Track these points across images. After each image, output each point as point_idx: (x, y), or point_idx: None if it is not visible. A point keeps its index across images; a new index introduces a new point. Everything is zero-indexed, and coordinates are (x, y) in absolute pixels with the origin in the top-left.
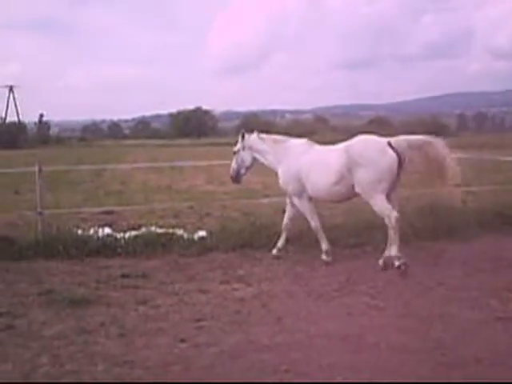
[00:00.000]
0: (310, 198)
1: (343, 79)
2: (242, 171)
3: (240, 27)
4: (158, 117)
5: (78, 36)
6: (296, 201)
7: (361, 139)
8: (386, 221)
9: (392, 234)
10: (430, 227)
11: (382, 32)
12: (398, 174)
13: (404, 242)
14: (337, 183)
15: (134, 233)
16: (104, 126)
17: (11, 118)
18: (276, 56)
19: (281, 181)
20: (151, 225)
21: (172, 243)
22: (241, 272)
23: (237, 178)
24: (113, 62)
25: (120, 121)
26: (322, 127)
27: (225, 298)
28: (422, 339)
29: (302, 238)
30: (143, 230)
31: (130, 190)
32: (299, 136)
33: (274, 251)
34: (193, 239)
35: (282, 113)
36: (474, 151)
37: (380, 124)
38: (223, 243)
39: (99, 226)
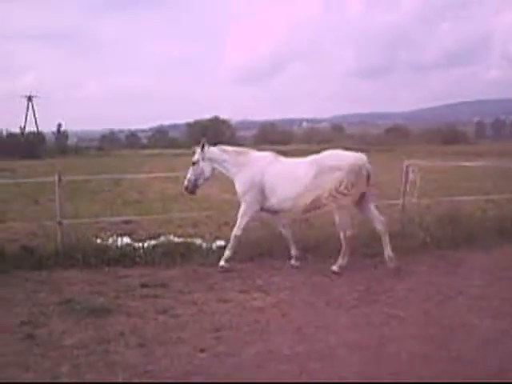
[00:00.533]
0: (276, 212)
1: (360, 87)
2: (200, 182)
3: (256, 36)
4: (175, 126)
5: (96, 46)
6: (243, 207)
7: (328, 153)
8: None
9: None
10: (450, 236)
11: (399, 40)
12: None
13: (424, 250)
14: (304, 195)
15: (152, 242)
16: (122, 136)
17: (30, 128)
18: (292, 64)
19: (240, 189)
20: (170, 234)
21: (191, 252)
22: (259, 281)
23: (193, 188)
24: (130, 72)
25: (137, 130)
26: (338, 136)
27: (244, 308)
28: (444, 349)
29: (320, 248)
30: (162, 239)
31: (148, 200)
32: (318, 143)
33: (293, 261)
34: (211, 248)
35: (300, 121)
36: (492, 159)
37: (397, 132)
38: (242, 253)
39: (118, 236)
